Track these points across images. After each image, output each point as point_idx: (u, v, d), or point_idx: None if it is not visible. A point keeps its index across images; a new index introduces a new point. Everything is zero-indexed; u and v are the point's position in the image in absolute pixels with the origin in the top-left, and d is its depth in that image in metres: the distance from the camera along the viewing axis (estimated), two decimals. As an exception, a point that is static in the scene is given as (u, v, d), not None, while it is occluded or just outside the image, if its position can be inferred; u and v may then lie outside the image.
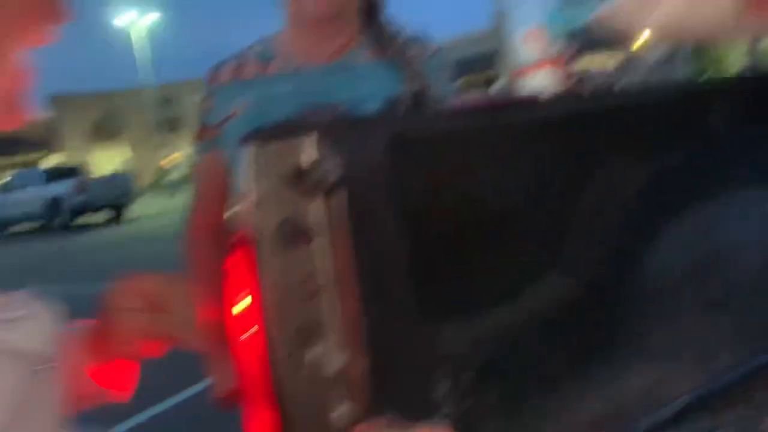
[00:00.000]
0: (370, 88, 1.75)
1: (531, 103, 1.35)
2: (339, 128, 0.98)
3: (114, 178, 30.05)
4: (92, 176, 30.90)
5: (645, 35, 1.42)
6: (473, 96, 1.33)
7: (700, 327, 1.59)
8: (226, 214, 1.87)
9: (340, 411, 1.04)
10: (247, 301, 0.97)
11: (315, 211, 0.98)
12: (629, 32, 0.83)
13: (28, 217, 27.60)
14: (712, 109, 1.98)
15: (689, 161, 1.87)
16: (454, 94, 1.78)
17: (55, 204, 26.01)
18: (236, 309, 1.00)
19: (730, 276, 1.68)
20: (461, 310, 1.34)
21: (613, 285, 1.65)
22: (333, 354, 1.04)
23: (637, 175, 1.72)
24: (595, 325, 1.58)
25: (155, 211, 28.20)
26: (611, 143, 1.68)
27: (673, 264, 1.68)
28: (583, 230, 1.60)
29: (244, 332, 0.99)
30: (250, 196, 0.91)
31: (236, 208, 0.99)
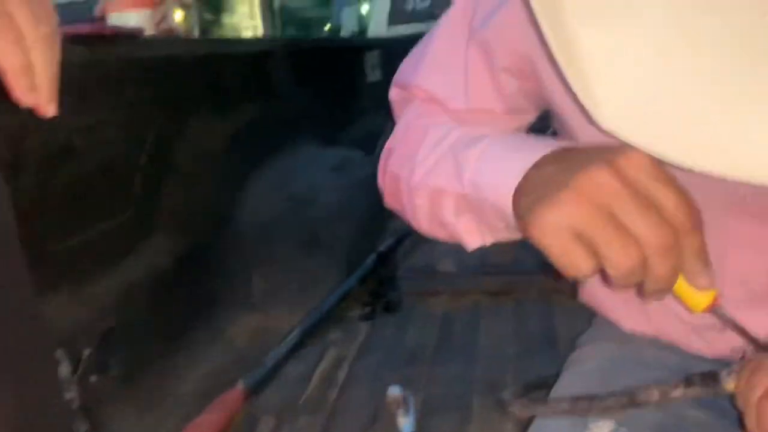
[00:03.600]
0: None
1: (129, 38, 1.23)
2: None
3: None
4: None
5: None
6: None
7: (297, 264, 1.72)
8: None
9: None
10: None
11: None
12: None
13: None
14: (282, 65, 2.12)
15: (269, 112, 1.99)
16: None
17: None
18: None
19: (314, 216, 1.85)
20: (76, 276, 1.17)
21: (213, 237, 1.65)
22: None
23: (227, 124, 1.75)
24: (204, 279, 1.57)
25: None
26: (204, 91, 1.66)
27: (264, 211, 1.77)
28: (179, 183, 1.56)
29: None
30: None
31: None
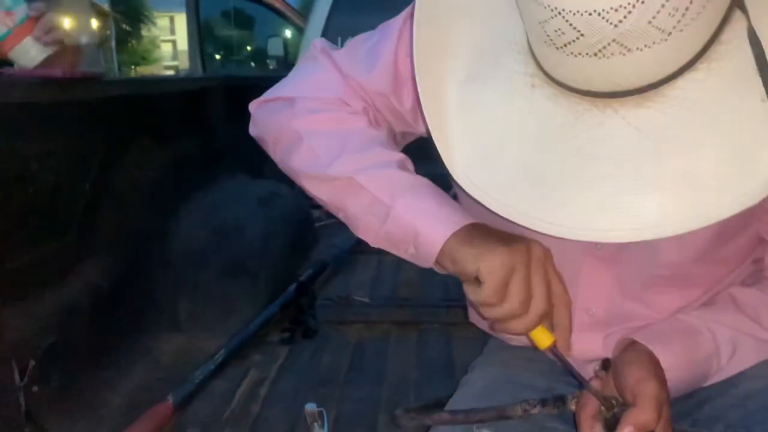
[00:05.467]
0: None
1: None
2: None
3: None
4: None
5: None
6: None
7: (222, 290, 1.86)
8: None
9: None
10: None
11: None
12: None
13: None
14: (214, 101, 2.27)
15: (197, 147, 2.12)
16: None
17: None
18: None
19: (240, 245, 1.99)
20: (24, 293, 1.27)
21: (145, 262, 1.76)
22: None
23: (163, 157, 1.87)
24: (136, 300, 1.68)
25: None
26: (144, 124, 1.79)
27: (193, 240, 1.90)
28: (117, 210, 1.67)
29: None
30: None
31: None
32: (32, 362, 1.24)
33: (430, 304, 2.04)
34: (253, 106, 0.89)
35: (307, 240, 2.58)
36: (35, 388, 1.23)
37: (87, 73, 1.34)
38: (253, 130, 0.89)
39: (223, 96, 2.33)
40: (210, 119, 2.26)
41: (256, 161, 2.53)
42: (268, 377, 1.62)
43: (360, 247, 2.56)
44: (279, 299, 1.94)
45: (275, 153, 0.85)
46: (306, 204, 2.69)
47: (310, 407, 1.42)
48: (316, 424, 1.37)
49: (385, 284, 2.27)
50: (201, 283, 1.83)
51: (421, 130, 0.86)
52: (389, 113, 0.85)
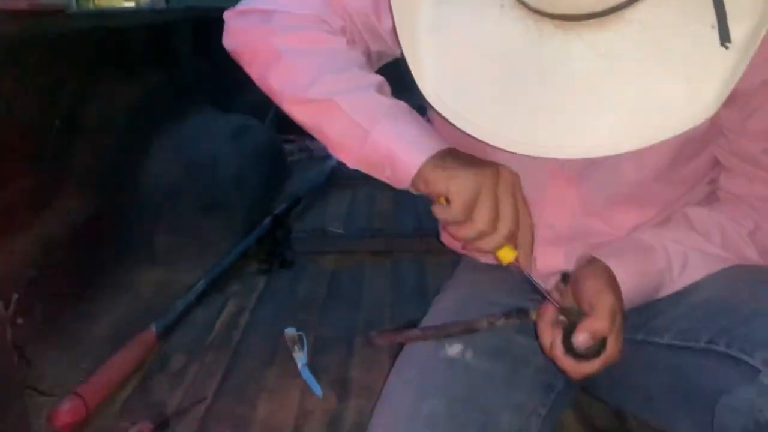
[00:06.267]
0: None
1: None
2: None
3: None
4: None
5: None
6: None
7: (199, 225, 1.88)
8: None
9: None
10: None
11: None
12: None
13: None
14: (181, 34, 2.23)
15: (167, 82, 2.10)
16: None
17: None
18: None
19: (215, 180, 2.01)
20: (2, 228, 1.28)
21: (120, 197, 1.77)
22: None
23: (133, 92, 1.86)
24: (114, 235, 1.69)
25: None
26: (112, 59, 1.76)
27: (169, 175, 1.91)
28: (89, 145, 1.67)
29: None
30: None
31: None
32: (15, 295, 1.27)
33: (403, 233, 2.10)
34: (228, 15, 0.87)
35: (280, 174, 2.60)
36: (20, 321, 1.26)
37: (49, 5, 1.32)
38: (228, 41, 0.87)
39: (190, 28, 2.29)
40: (178, 52, 2.23)
41: (227, 95, 2.53)
42: (247, 306, 1.67)
43: (333, 181, 2.59)
44: (255, 232, 1.97)
45: (252, 69, 0.85)
46: (278, 138, 2.69)
47: (290, 331, 1.48)
48: (296, 346, 1.44)
49: (359, 216, 2.31)
50: (177, 217, 1.85)
51: (398, 51, 0.87)
52: (368, 32, 0.87)
